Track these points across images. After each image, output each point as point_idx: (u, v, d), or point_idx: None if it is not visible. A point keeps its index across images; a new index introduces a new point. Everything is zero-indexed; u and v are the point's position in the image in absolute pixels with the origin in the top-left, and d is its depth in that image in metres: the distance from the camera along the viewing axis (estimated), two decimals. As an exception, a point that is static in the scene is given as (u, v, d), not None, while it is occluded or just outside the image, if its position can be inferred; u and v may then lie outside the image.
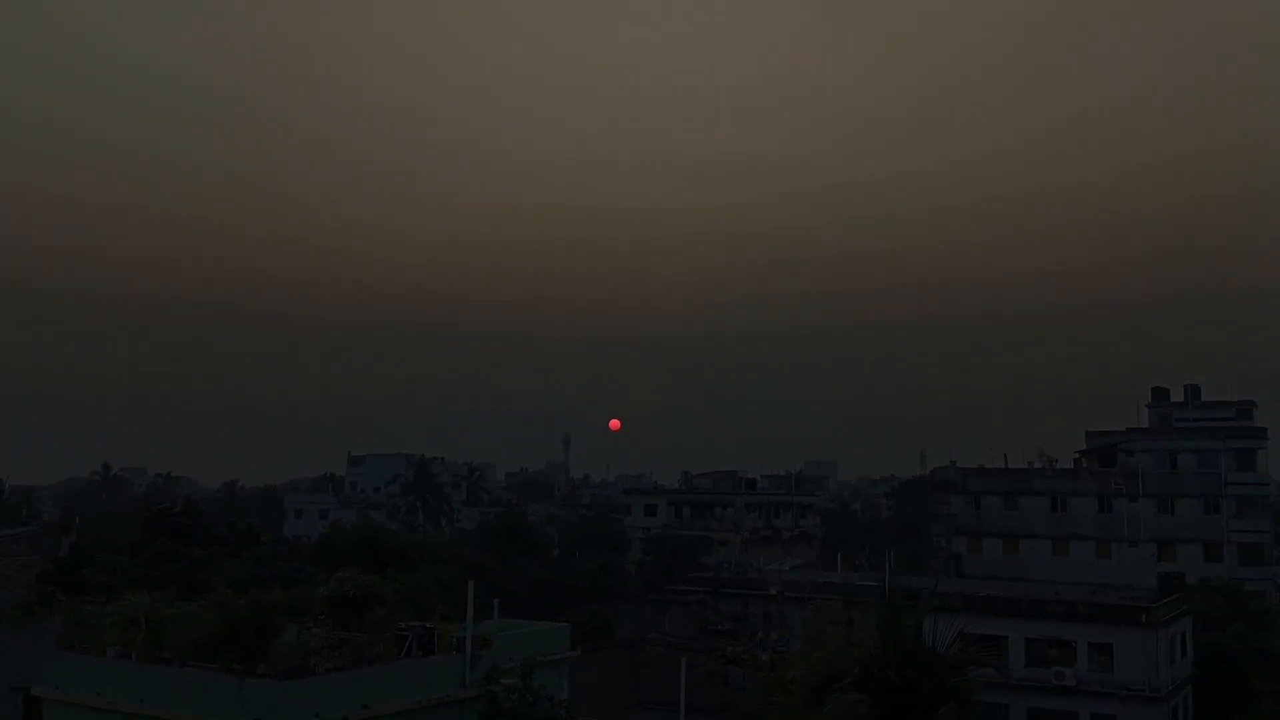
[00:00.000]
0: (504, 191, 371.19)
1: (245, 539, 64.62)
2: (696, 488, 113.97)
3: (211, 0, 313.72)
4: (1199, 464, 78.89)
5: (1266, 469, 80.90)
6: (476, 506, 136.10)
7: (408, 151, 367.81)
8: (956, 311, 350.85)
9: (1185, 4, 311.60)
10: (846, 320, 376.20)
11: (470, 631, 26.47)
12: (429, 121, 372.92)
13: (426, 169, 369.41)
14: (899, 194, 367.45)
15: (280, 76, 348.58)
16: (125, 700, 23.80)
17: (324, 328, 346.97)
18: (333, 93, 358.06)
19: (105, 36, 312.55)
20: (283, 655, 24.02)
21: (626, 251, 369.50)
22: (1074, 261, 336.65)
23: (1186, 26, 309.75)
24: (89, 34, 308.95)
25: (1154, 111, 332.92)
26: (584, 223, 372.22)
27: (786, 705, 21.52)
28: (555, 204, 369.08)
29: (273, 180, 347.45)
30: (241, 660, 23.45)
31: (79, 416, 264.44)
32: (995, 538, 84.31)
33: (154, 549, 56.26)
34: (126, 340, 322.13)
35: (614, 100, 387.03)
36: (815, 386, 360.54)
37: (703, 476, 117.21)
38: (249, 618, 24.98)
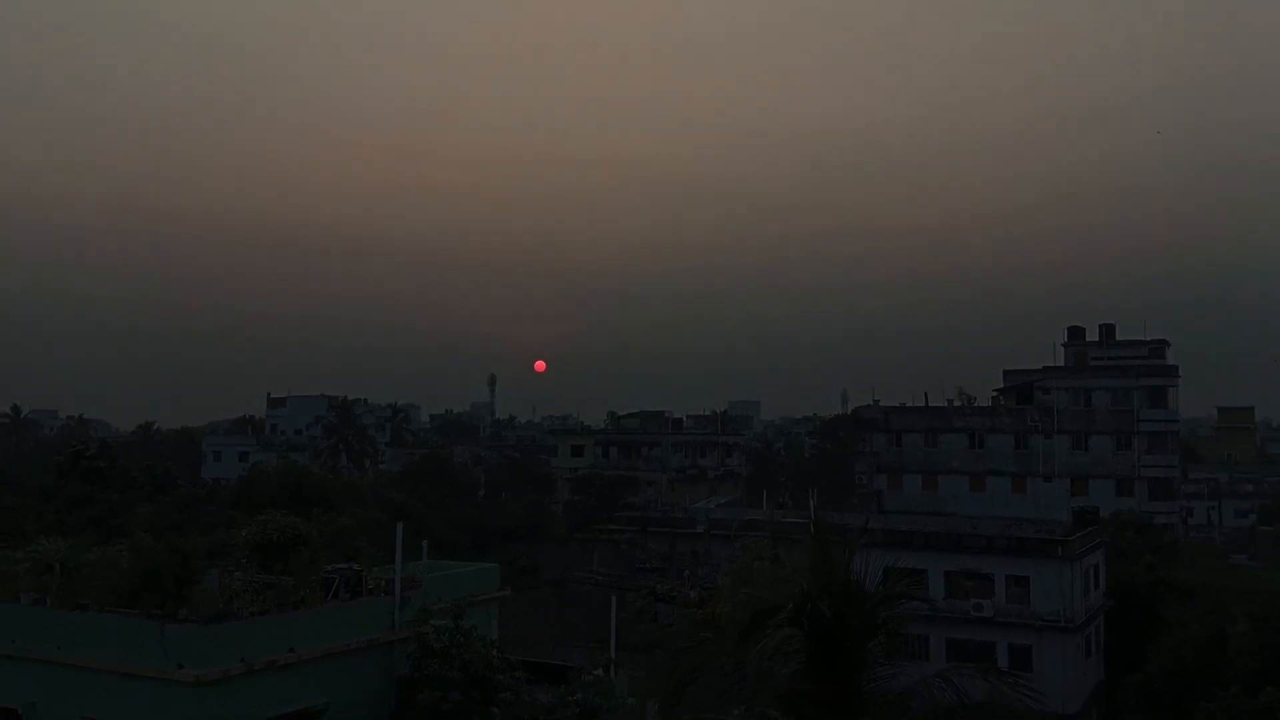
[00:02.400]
0: (433, 136, 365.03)
1: (162, 482, 63.36)
2: (623, 428, 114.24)
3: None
4: (1113, 401, 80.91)
5: (1177, 406, 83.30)
6: (401, 448, 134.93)
7: (326, 92, 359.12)
8: (879, 254, 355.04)
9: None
10: (770, 262, 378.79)
11: (399, 573, 26.11)
12: (347, 65, 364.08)
13: (347, 111, 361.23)
14: (833, 141, 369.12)
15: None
16: (41, 649, 23.08)
17: (242, 265, 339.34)
18: (256, 20, 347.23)
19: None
20: (205, 600, 23.50)
21: (552, 195, 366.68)
22: (994, 206, 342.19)
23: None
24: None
25: (1075, 62, 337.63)
26: (514, 168, 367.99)
27: (717, 641, 21.54)
28: (484, 149, 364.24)
29: (193, 110, 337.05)
30: (162, 606, 22.88)
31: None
32: (915, 474, 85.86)
33: (67, 493, 54.89)
34: (37, 276, 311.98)
35: (548, 43, 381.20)
36: (740, 328, 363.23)
37: (629, 417, 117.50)
38: (168, 562, 24.37)
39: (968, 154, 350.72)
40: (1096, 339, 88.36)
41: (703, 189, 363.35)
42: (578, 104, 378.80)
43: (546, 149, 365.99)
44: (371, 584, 26.13)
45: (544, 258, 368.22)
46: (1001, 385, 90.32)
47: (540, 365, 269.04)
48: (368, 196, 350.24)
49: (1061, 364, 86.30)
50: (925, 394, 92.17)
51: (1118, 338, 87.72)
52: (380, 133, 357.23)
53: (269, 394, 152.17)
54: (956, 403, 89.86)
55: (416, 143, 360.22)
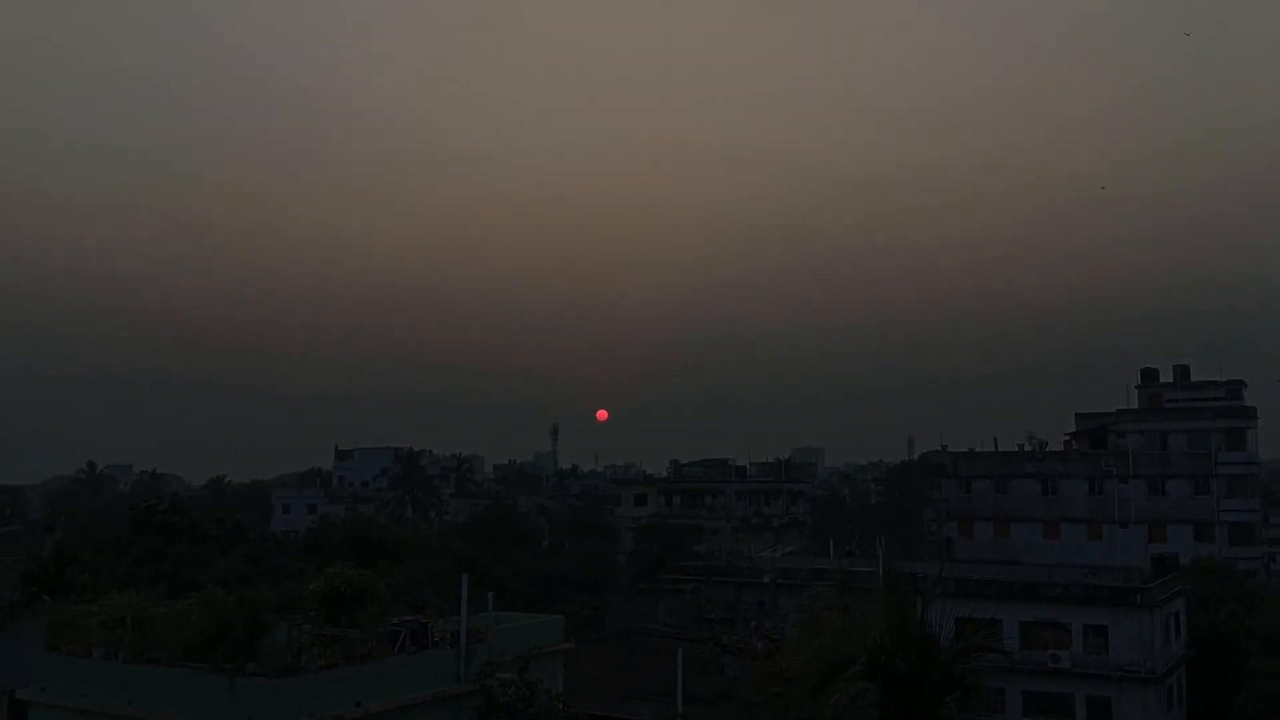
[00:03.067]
0: (490, 185, 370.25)
1: (233, 535, 63.89)
2: (686, 476, 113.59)
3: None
4: (1189, 444, 78.93)
5: (1256, 449, 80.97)
6: (465, 499, 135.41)
7: (388, 145, 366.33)
8: (945, 297, 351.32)
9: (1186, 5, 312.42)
10: (834, 307, 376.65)
11: (465, 625, 26.00)
12: (411, 117, 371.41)
13: (408, 163, 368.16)
14: (893, 185, 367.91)
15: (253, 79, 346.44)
16: (113, 702, 23.29)
17: (309, 322, 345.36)
18: (303, 93, 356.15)
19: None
20: (273, 653, 23.54)
21: (614, 242, 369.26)
22: (1065, 246, 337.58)
23: (1185, 22, 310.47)
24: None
25: (1147, 104, 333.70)
26: (572, 215, 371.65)
27: (788, 694, 21.11)
28: (542, 197, 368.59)
29: (255, 176, 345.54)
30: (231, 659, 22.96)
31: (64, 415, 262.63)
32: (986, 521, 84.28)
33: (140, 547, 55.56)
34: (112, 339, 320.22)
35: (603, 90, 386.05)
36: (802, 374, 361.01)
37: (692, 465, 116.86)
38: (238, 615, 24.47)
39: (1036, 193, 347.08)
40: (1171, 380, 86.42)
41: (765, 233, 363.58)
42: (638, 148, 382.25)
43: (609, 194, 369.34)
44: (437, 636, 26.03)
45: (604, 304, 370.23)
46: (1074, 429, 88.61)
47: (603, 414, 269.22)
48: (431, 247, 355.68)
49: (1135, 407, 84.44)
50: (995, 439, 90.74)
51: (1193, 379, 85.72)
52: (442, 183, 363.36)
53: (336, 446, 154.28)
54: (1027, 448, 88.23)
55: (478, 192, 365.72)
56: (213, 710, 21.74)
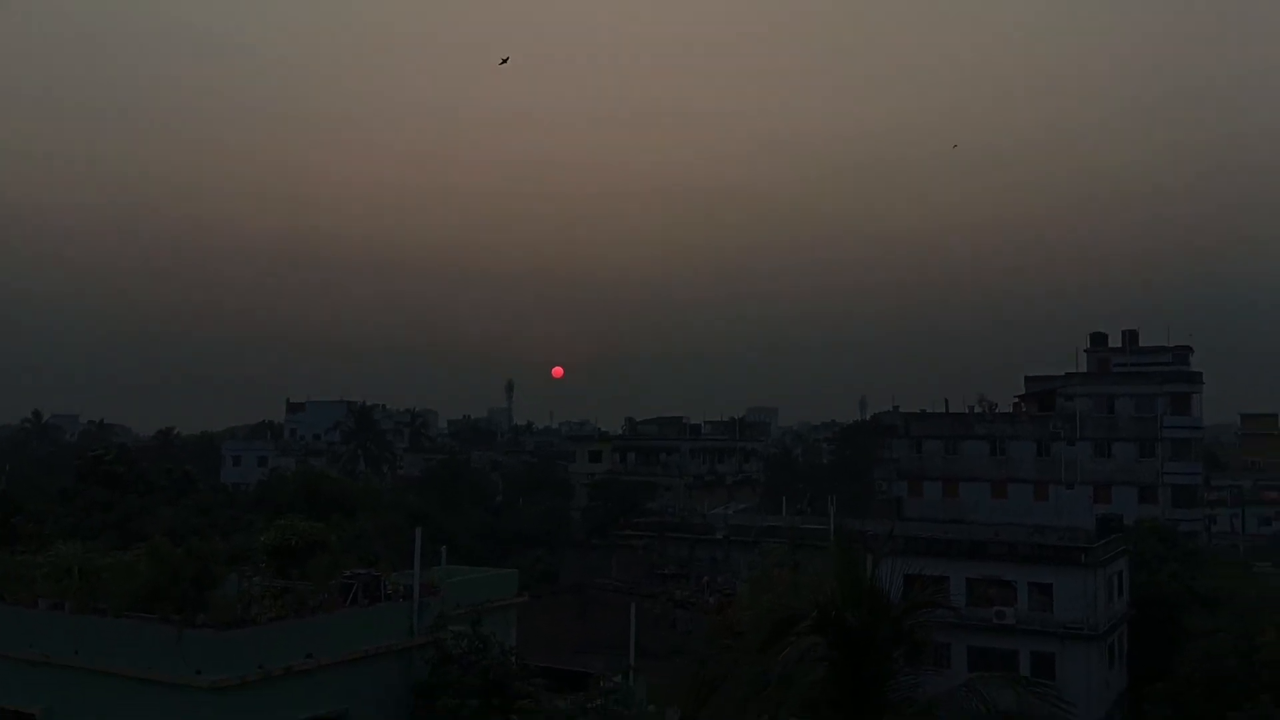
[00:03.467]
0: (446, 141, 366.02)
1: (181, 486, 63.25)
2: (641, 434, 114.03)
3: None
4: (1135, 408, 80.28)
5: (1200, 413, 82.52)
6: (419, 454, 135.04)
7: (345, 94, 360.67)
8: (897, 260, 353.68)
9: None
10: (787, 267, 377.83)
11: (418, 578, 25.91)
12: (367, 66, 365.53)
13: (364, 113, 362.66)
14: (847, 148, 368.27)
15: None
16: (59, 653, 22.98)
17: (261, 271, 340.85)
18: (254, 39, 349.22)
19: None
20: (223, 605, 23.31)
21: (570, 202, 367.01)
22: (1014, 210, 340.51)
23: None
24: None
25: (1101, 71, 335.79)
26: (527, 174, 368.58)
27: (739, 649, 21.24)
28: (501, 153, 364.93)
29: (202, 123, 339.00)
30: (180, 610, 22.71)
31: (9, 363, 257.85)
32: (936, 481, 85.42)
33: (87, 497, 54.85)
34: (59, 287, 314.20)
35: (560, 48, 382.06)
36: (757, 334, 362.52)
37: (647, 423, 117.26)
38: (187, 567, 24.20)
39: (988, 158, 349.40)
40: (1119, 345, 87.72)
41: (720, 194, 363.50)
42: (593, 107, 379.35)
43: (564, 154, 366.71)
44: (390, 589, 25.93)
45: (561, 264, 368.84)
46: (1023, 392, 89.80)
47: (558, 371, 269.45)
48: (385, 203, 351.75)
49: (1084, 370, 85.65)
50: (946, 401, 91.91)
51: (1141, 344, 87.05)
52: (396, 139, 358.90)
53: (288, 399, 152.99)
54: (978, 409, 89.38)
55: (433, 149, 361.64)
56: (161, 661, 21.51)
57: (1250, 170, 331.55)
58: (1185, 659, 41.17)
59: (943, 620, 40.84)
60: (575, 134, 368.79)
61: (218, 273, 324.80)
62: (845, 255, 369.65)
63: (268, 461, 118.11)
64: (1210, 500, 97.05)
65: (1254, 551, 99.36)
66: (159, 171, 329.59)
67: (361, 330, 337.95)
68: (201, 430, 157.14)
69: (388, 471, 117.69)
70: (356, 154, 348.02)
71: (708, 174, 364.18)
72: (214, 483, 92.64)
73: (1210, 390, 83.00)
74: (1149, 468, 79.40)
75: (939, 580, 46.79)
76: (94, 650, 22.59)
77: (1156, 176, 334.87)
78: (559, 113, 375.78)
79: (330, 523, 35.01)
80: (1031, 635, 49.77)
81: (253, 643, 22.05)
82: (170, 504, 57.24)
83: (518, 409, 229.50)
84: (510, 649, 26.13)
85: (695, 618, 41.82)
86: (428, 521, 48.47)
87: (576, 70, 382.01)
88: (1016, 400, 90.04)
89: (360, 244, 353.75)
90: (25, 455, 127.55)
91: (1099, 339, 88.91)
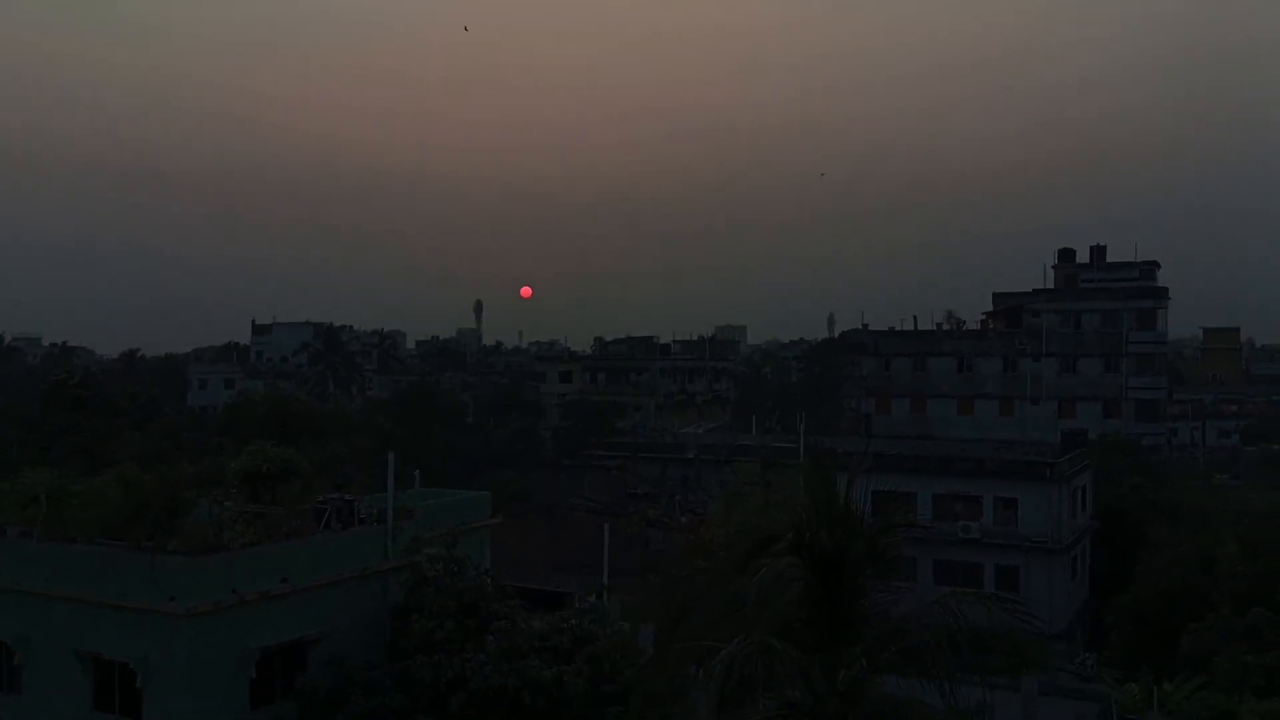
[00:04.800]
0: (410, 60, 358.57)
1: (148, 410, 62.77)
2: (611, 353, 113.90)
3: None
4: (1102, 323, 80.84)
5: (1166, 328, 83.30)
6: (388, 375, 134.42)
7: (306, 19, 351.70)
8: (864, 178, 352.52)
9: None
10: (756, 186, 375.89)
11: (391, 502, 25.88)
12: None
13: (326, 35, 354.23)
14: (813, 66, 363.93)
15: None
16: (29, 582, 22.86)
17: (226, 192, 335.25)
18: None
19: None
20: (195, 531, 23.22)
21: (537, 119, 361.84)
22: (982, 126, 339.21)
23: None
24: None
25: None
26: (493, 91, 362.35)
27: (713, 569, 21.40)
28: (463, 73, 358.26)
29: (171, 37, 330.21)
30: (151, 537, 22.60)
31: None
32: (903, 398, 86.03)
33: (52, 422, 54.27)
34: (17, 203, 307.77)
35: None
36: (726, 253, 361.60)
37: (617, 343, 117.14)
38: (156, 492, 24.05)
39: (955, 75, 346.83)
40: (1087, 261, 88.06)
41: (686, 114, 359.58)
42: (559, 26, 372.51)
43: (531, 74, 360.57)
44: (363, 514, 25.91)
45: (530, 184, 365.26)
46: (991, 308, 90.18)
47: (527, 291, 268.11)
48: (351, 123, 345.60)
49: (1052, 286, 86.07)
50: (914, 318, 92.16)
51: (1108, 260, 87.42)
52: (357, 58, 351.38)
53: (254, 321, 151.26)
54: (945, 326, 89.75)
55: (395, 68, 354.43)
56: (133, 588, 21.44)
57: (1219, 86, 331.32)
58: (1147, 571, 42.01)
59: (909, 536, 41.55)
60: (542, 54, 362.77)
61: (181, 193, 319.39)
62: (813, 173, 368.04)
63: (234, 384, 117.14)
64: (1172, 414, 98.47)
65: (1214, 464, 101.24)
66: (123, 90, 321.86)
67: (328, 251, 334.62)
68: (166, 352, 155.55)
69: (357, 394, 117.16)
70: (317, 74, 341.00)
71: (674, 93, 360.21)
72: (180, 406, 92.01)
73: (1173, 305, 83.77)
74: (1114, 383, 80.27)
75: (905, 496, 47.52)
76: (66, 578, 22.48)
77: (1123, 92, 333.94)
78: (525, 31, 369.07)
79: (300, 446, 34.83)
80: (996, 549, 50.63)
81: (226, 568, 22.01)
82: (136, 428, 56.80)
83: (487, 329, 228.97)
84: (485, 570, 26.27)
85: (667, 537, 42.21)
86: (398, 444, 48.20)
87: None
88: (984, 317, 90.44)
89: (326, 165, 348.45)
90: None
91: (1067, 255, 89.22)
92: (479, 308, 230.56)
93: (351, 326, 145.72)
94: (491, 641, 23.45)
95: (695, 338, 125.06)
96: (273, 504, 25.33)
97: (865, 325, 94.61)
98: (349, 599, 24.38)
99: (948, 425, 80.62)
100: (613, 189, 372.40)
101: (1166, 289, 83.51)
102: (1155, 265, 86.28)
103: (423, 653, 23.24)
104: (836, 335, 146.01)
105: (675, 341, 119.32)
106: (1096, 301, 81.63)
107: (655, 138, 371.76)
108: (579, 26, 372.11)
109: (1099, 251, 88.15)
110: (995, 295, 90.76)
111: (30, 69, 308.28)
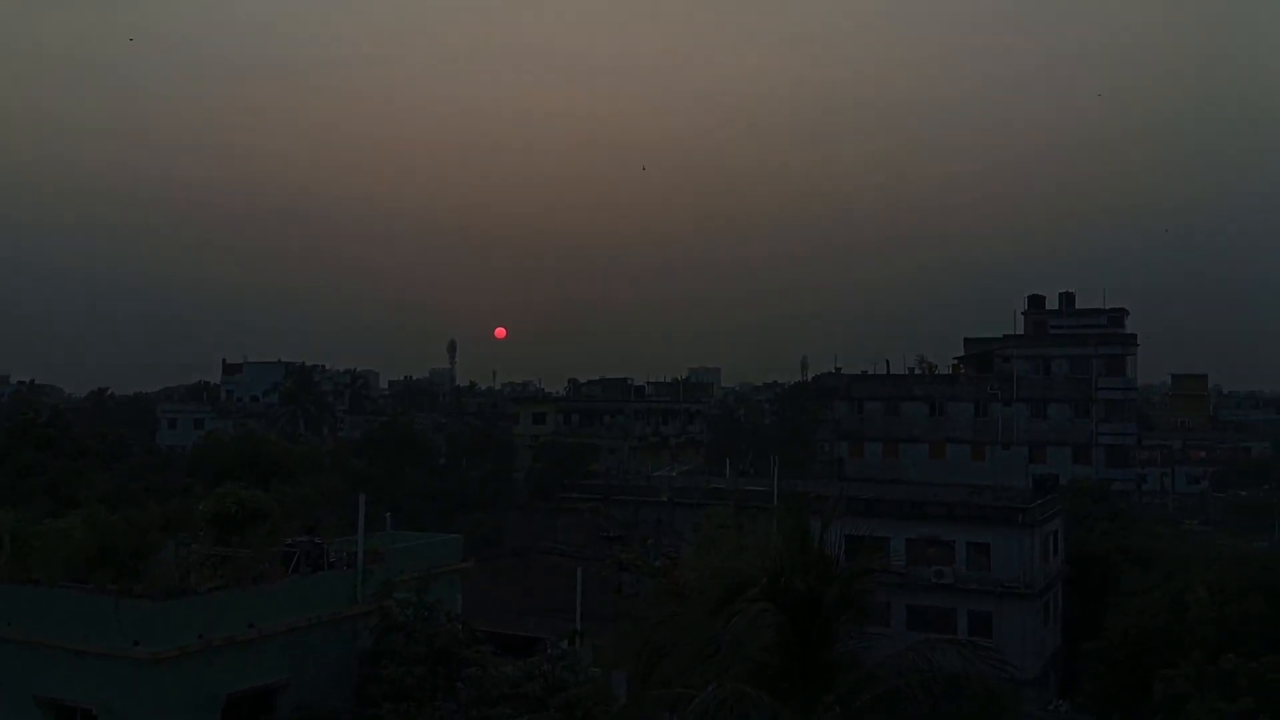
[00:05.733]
0: (381, 94, 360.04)
1: (116, 449, 61.93)
2: (585, 395, 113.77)
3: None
4: (1071, 369, 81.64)
5: (1135, 374, 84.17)
6: (360, 415, 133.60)
7: (279, 49, 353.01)
8: (838, 221, 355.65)
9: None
10: (729, 227, 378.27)
11: (361, 546, 25.60)
12: (304, 22, 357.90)
13: (299, 66, 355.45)
14: (785, 107, 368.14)
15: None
16: (-10, 625, 22.42)
17: (198, 229, 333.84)
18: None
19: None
20: (161, 574, 22.84)
21: (512, 157, 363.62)
22: (953, 170, 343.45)
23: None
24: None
25: (1030, 26, 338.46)
26: (469, 125, 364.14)
27: (687, 614, 21.25)
28: (438, 107, 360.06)
29: (141, 71, 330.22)
30: (116, 580, 22.20)
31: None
32: (876, 442, 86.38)
33: (17, 461, 53.43)
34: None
35: (490, 2, 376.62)
36: (700, 295, 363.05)
37: (591, 384, 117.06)
38: (123, 534, 23.64)
39: (926, 117, 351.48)
40: (1056, 307, 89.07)
41: (661, 154, 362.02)
42: (533, 61, 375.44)
43: (502, 109, 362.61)
44: (333, 557, 25.60)
45: (504, 223, 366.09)
46: (962, 353, 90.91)
47: (501, 331, 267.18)
48: (323, 160, 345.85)
49: (1022, 332, 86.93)
50: (887, 362, 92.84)
51: (1077, 306, 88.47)
52: (331, 94, 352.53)
53: (224, 360, 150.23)
54: (918, 371, 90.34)
55: (367, 102, 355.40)
56: (97, 632, 21.06)
57: (1185, 127, 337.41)
58: (1118, 616, 42.07)
59: (883, 581, 41.50)
60: (513, 89, 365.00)
61: (153, 230, 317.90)
62: (787, 215, 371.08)
63: (205, 424, 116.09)
64: (1141, 460, 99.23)
65: (1184, 510, 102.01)
66: (88, 123, 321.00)
67: (300, 290, 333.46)
68: (136, 391, 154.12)
69: (328, 434, 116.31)
70: (289, 106, 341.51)
71: (646, 132, 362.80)
72: (149, 445, 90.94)
73: (1142, 351, 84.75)
74: (1083, 428, 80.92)
75: (879, 540, 47.51)
76: (29, 622, 22.07)
77: (1091, 129, 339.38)
78: (495, 66, 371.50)
79: (270, 488, 34.47)
80: (969, 594, 50.70)
81: (192, 613, 21.68)
82: (104, 468, 56.01)
83: (460, 369, 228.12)
84: (456, 616, 26.00)
85: (640, 581, 41.86)
86: (370, 485, 47.94)
87: (511, 24, 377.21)
88: (955, 362, 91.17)
89: (300, 202, 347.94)
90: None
91: (1036, 301, 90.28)
92: (453, 348, 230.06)
93: (324, 366, 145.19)
94: (462, 689, 23.17)
95: (669, 379, 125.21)
96: (241, 547, 24.95)
97: (838, 369, 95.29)
98: (317, 644, 24.04)
99: (920, 469, 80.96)
100: (588, 230, 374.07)
101: (1135, 335, 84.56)
102: (1124, 312, 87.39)
103: (391, 700, 22.92)
104: (810, 379, 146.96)
105: (649, 383, 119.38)
106: (1066, 348, 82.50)
107: (629, 176, 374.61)
108: (554, 64, 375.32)
109: (1068, 298, 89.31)
110: (966, 341, 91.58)
111: None
